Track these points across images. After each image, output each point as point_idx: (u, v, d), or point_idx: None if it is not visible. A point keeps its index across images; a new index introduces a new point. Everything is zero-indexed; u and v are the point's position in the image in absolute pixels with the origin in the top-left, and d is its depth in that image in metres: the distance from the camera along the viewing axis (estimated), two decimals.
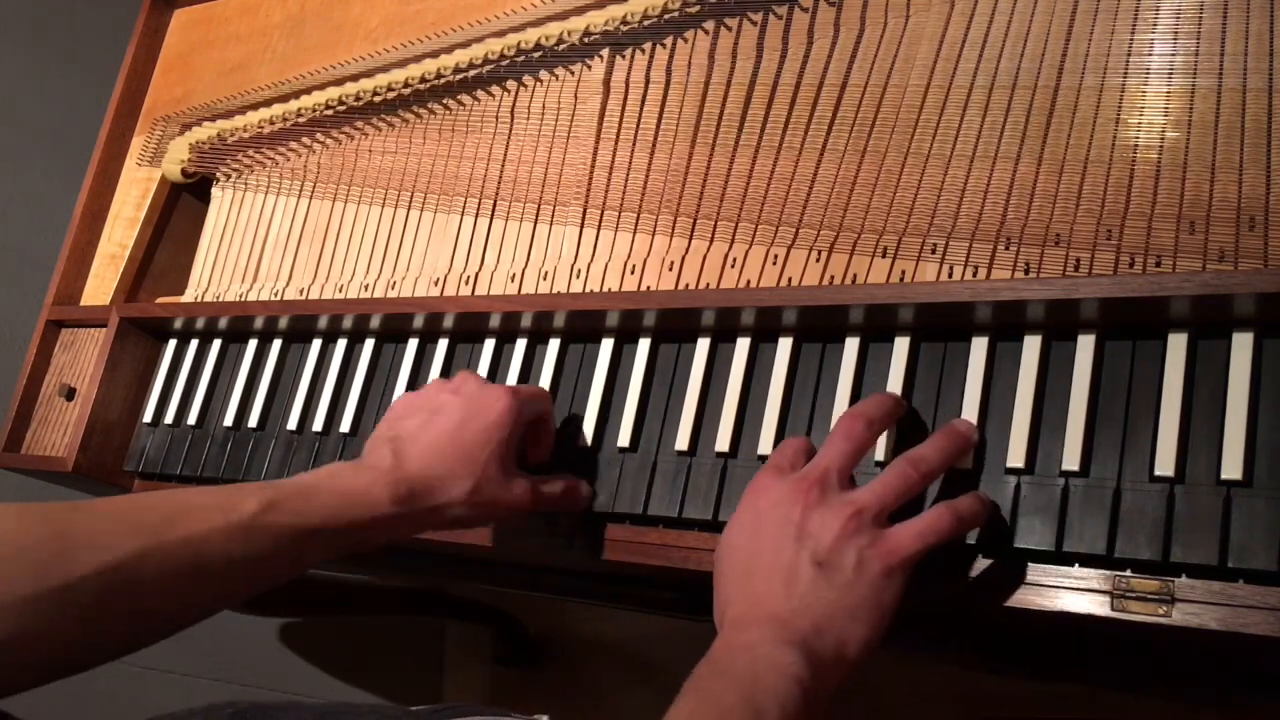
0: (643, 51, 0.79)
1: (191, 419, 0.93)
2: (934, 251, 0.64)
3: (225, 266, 0.98)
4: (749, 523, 0.56)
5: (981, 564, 0.58)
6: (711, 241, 0.73)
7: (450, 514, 0.63)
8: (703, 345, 0.71)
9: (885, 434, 0.62)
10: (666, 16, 0.78)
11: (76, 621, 0.49)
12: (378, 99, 0.91)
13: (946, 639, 0.64)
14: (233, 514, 0.56)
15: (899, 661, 1.25)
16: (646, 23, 0.78)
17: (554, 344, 0.77)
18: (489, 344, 0.80)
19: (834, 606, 0.52)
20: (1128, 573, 0.54)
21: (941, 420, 0.62)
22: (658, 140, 0.77)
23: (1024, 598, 0.56)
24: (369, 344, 0.86)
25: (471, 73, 0.87)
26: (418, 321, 0.82)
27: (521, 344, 0.78)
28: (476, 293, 0.81)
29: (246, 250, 0.97)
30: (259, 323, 0.91)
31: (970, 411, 0.61)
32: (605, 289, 0.75)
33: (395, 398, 0.82)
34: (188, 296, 0.99)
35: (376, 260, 0.89)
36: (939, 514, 0.54)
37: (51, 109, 1.29)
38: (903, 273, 0.65)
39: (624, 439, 0.71)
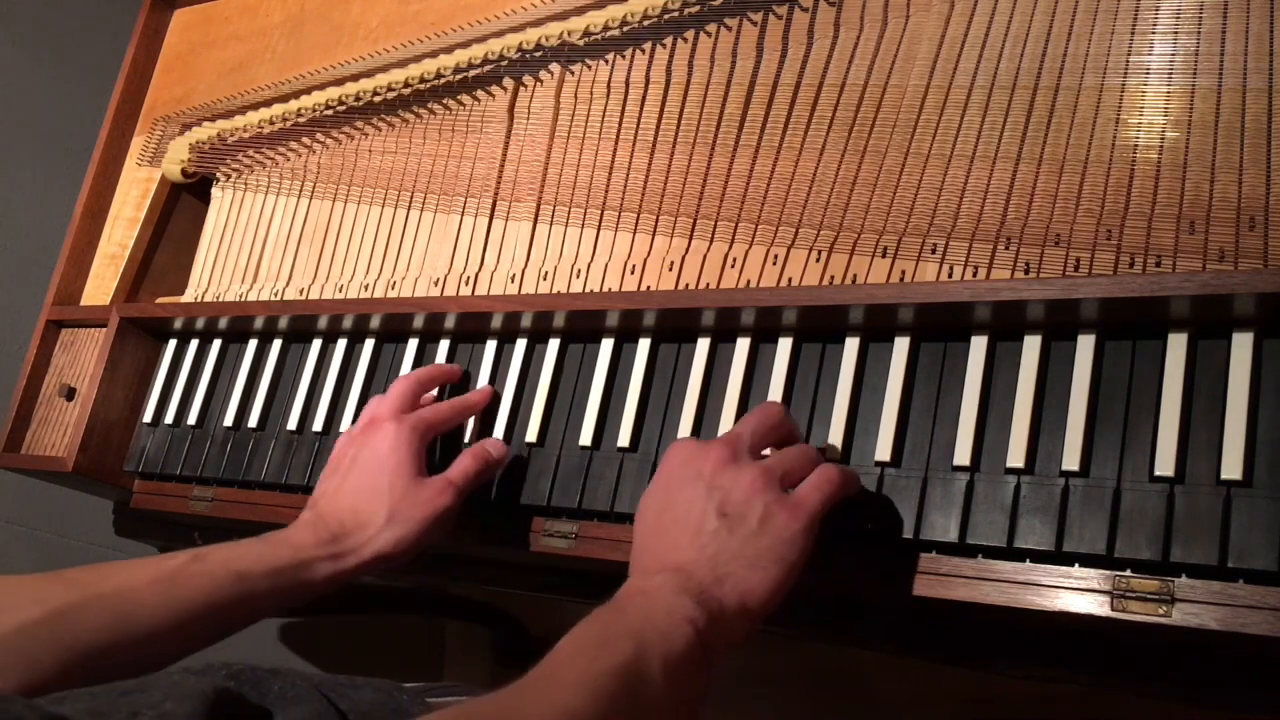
0: (643, 51, 0.79)
1: (191, 419, 0.93)
2: (934, 251, 0.64)
3: (225, 266, 0.98)
4: (662, 480, 0.58)
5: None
6: (711, 241, 0.73)
7: (380, 542, 0.67)
8: (703, 345, 0.71)
9: (888, 434, 0.62)
10: (666, 16, 0.78)
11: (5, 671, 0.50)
12: (378, 99, 0.91)
13: (941, 638, 0.64)
14: (161, 566, 0.59)
15: (896, 661, 1.26)
16: (646, 23, 0.78)
17: (554, 344, 0.77)
18: (489, 344, 0.80)
19: (736, 556, 0.53)
20: (1128, 573, 0.54)
21: (942, 421, 0.62)
22: (658, 140, 0.77)
23: (1024, 598, 0.56)
24: (369, 344, 0.86)
25: (471, 73, 0.86)
26: (418, 321, 0.82)
27: (521, 344, 0.78)
28: (476, 293, 0.81)
29: (246, 250, 0.97)
30: (259, 323, 0.91)
31: (970, 411, 0.61)
32: (605, 289, 0.75)
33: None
34: (188, 296, 0.99)
35: (376, 260, 0.89)
36: (826, 469, 0.57)
37: (51, 109, 1.29)
38: (903, 273, 0.65)
39: (624, 439, 0.71)
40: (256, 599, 0.62)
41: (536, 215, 0.81)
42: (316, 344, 0.89)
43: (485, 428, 0.77)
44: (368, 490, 0.67)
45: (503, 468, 0.74)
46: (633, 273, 0.75)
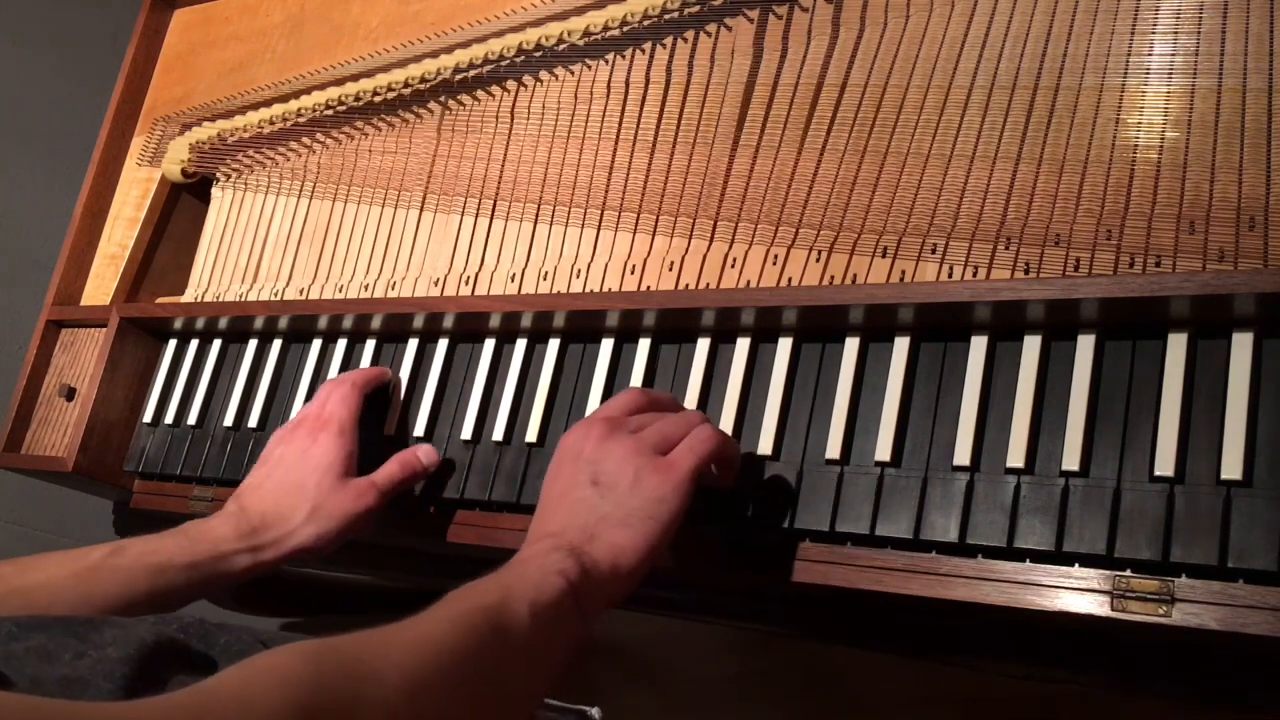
0: (643, 51, 0.79)
1: (191, 419, 0.93)
2: (934, 251, 0.64)
3: (225, 266, 0.98)
4: (553, 465, 0.61)
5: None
6: (711, 241, 0.73)
7: (301, 536, 0.69)
8: (703, 345, 0.71)
9: (888, 434, 0.62)
10: (666, 16, 0.78)
11: None
12: (378, 99, 0.91)
13: (941, 638, 0.64)
14: (80, 560, 0.61)
15: (895, 662, 1.26)
16: (646, 23, 0.78)
17: (554, 344, 0.77)
18: (489, 344, 0.80)
19: (606, 518, 0.56)
20: (1128, 573, 0.54)
21: (942, 422, 0.62)
22: (658, 140, 0.77)
23: (1024, 598, 0.56)
24: (369, 344, 0.86)
25: (471, 73, 0.86)
26: (418, 321, 0.82)
27: (521, 344, 0.78)
28: (476, 293, 0.81)
29: (246, 250, 0.97)
30: (259, 323, 0.91)
31: (970, 411, 0.61)
32: (605, 289, 0.75)
33: (396, 397, 0.82)
34: (188, 296, 0.99)
35: (376, 260, 0.89)
36: (700, 430, 0.60)
37: (51, 109, 1.29)
38: (903, 273, 0.65)
39: None
40: (174, 591, 0.63)
41: (536, 215, 0.81)
42: (316, 344, 0.89)
43: (486, 427, 0.77)
44: (292, 486, 0.70)
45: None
46: (633, 273, 0.75)
